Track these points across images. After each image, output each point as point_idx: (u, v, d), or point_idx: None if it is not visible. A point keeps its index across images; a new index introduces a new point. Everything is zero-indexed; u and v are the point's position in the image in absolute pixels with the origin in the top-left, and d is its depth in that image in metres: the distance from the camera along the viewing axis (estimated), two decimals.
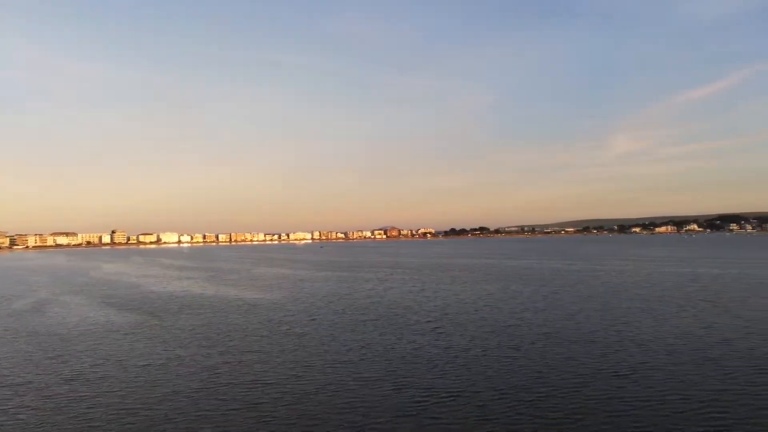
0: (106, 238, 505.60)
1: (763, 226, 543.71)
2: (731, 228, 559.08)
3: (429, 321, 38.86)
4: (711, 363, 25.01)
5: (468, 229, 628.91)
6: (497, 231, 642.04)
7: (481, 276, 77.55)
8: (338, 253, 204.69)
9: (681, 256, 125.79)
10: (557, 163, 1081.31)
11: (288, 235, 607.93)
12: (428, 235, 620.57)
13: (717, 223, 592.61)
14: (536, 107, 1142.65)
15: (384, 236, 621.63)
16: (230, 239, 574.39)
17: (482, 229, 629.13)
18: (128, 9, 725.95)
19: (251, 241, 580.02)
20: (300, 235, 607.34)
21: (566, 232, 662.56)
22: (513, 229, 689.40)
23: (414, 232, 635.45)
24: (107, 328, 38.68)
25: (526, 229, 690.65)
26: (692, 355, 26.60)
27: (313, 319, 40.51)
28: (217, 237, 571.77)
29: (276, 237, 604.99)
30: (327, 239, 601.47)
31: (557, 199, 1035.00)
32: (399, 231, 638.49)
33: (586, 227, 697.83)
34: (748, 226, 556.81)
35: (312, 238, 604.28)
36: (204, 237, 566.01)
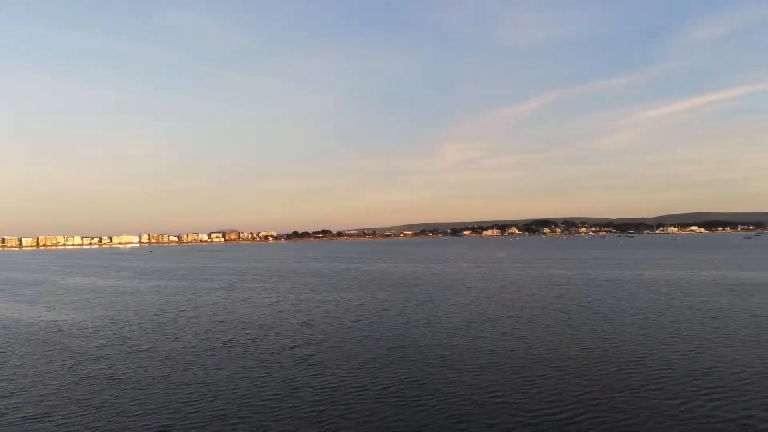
0: None
1: (570, 229, 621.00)
2: (544, 231, 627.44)
3: (296, 345, 30.41)
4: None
5: (311, 232, 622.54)
6: (339, 234, 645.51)
7: (340, 282, 70.51)
8: (172, 258, 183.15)
9: (516, 257, 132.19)
10: (396, 169, 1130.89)
11: (111, 239, 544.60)
12: (270, 239, 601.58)
13: (533, 227, 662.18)
14: (376, 115, 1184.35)
15: (222, 239, 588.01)
16: (37, 243, 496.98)
17: (325, 232, 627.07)
18: None
19: (64, 245, 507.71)
20: (125, 238, 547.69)
21: (405, 235, 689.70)
22: (354, 232, 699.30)
23: (255, 235, 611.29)
24: None
25: (367, 232, 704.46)
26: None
27: (135, 350, 29.64)
28: (20, 241, 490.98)
29: (96, 241, 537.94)
30: (158, 243, 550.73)
31: (396, 203, 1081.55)
32: (239, 234, 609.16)
33: (423, 230, 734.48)
34: (558, 230, 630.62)
35: (140, 242, 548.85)
36: (2, 241, 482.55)
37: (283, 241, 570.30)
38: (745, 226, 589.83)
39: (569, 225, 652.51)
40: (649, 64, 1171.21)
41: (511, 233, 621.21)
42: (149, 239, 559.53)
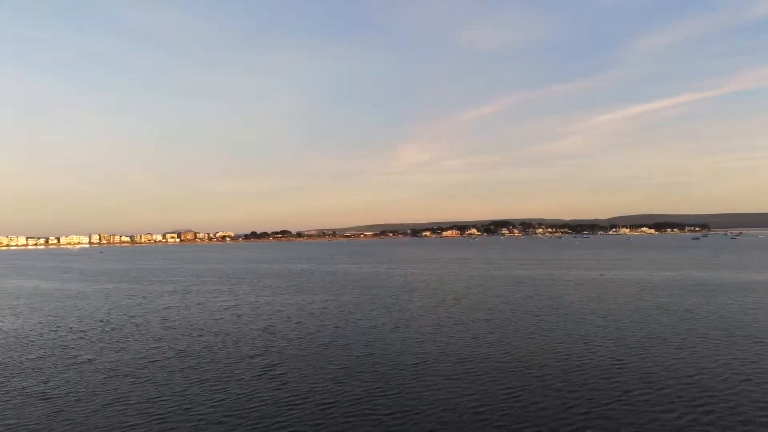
0: None
1: (527, 230, 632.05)
2: (503, 232, 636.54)
3: (257, 354, 28.15)
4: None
5: (270, 232, 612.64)
6: (299, 234, 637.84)
7: (302, 284, 68.07)
8: (123, 259, 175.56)
9: (478, 258, 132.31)
10: (356, 170, 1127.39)
11: (59, 239, 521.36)
12: (227, 239, 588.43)
13: (492, 227, 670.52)
14: (337, 115, 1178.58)
15: (178, 240, 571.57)
16: None
17: (284, 233, 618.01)
18: None
19: (8, 246, 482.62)
20: (74, 238, 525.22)
21: (365, 235, 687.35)
22: (314, 232, 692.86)
23: (212, 236, 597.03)
24: None
25: (327, 232, 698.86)
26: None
27: (75, 362, 26.76)
28: None
29: (42, 241, 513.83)
30: (109, 243, 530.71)
31: (356, 203, 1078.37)
32: (195, 234, 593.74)
33: (383, 231, 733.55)
34: (516, 231, 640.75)
35: (90, 242, 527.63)
36: None
37: (241, 241, 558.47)
38: (692, 228, 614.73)
39: (526, 226, 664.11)
40: (602, 70, 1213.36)
41: (470, 234, 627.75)
42: (100, 240, 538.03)
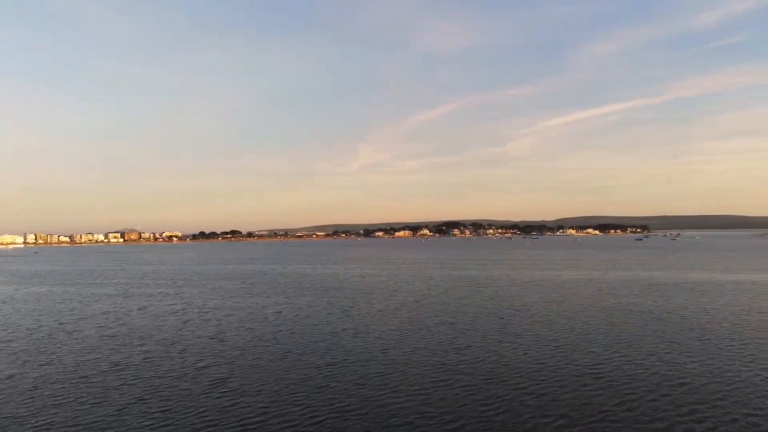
0: None
1: (478, 231, 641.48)
2: (454, 232, 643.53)
3: (205, 365, 25.41)
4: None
5: (219, 232, 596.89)
6: (250, 234, 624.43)
7: (254, 286, 64.80)
8: (60, 260, 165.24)
9: (434, 258, 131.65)
10: (309, 170, 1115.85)
11: None
12: (174, 239, 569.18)
13: (443, 228, 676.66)
14: (290, 114, 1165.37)
15: (121, 240, 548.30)
16: None
17: (234, 233, 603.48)
18: None
19: None
20: (7, 238, 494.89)
21: (317, 236, 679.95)
22: (265, 232, 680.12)
23: (158, 236, 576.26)
24: None
25: (278, 233, 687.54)
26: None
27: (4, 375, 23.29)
28: None
29: None
30: (47, 243, 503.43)
31: (308, 204, 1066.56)
32: (140, 234, 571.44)
33: (335, 231, 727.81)
34: (467, 231, 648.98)
35: (25, 242, 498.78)
36: None
37: (188, 241, 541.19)
38: (634, 229, 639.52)
39: (477, 227, 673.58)
40: (550, 76, 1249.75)
41: (423, 234, 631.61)
42: (36, 239, 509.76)
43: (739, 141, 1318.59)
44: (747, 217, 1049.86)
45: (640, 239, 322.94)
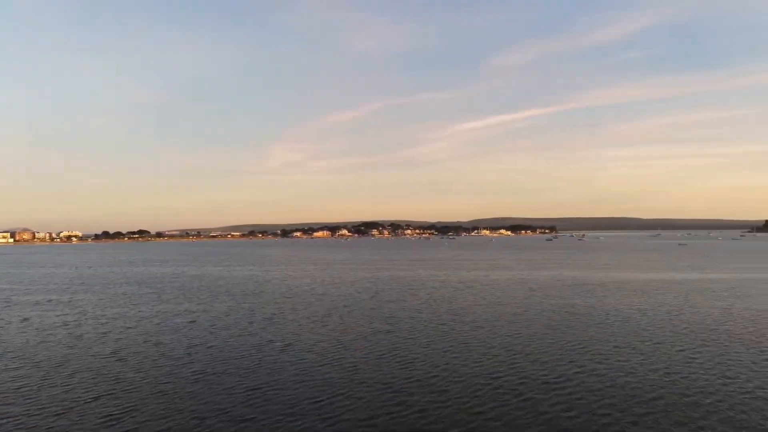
0: None
1: (396, 231, 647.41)
2: (373, 233, 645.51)
3: (100, 394, 20.52)
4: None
5: (125, 232, 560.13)
6: (159, 234, 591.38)
7: (163, 291, 58.28)
8: None
9: (357, 258, 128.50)
10: (224, 168, 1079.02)
11: None
12: (74, 239, 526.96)
13: (362, 228, 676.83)
14: (202, 111, 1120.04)
15: (11, 240, 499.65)
16: None
17: (142, 233, 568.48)
18: None
19: None
20: None
21: (232, 236, 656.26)
22: (176, 232, 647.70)
23: (55, 236, 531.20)
24: None
25: (191, 233, 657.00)
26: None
27: None
28: None
29: None
30: None
31: (222, 203, 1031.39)
32: (33, 234, 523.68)
33: (251, 231, 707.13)
34: (386, 231, 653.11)
35: None
36: None
37: (90, 242, 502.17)
38: (543, 230, 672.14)
39: (396, 227, 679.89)
40: (464, 82, 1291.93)
41: (342, 234, 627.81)
42: None
43: (633, 149, 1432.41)
44: (640, 219, 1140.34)
45: (550, 239, 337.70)
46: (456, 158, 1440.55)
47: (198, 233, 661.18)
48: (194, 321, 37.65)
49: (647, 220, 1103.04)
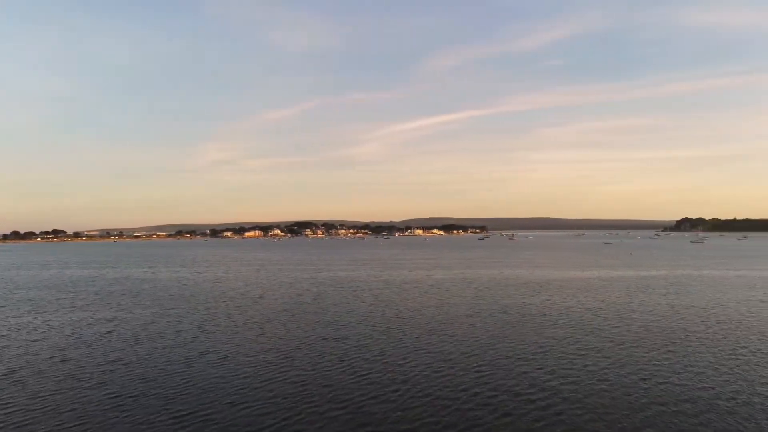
0: None
1: (330, 231, 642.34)
2: (306, 233, 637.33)
3: None
4: None
5: (38, 232, 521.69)
6: (77, 234, 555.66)
7: (78, 296, 52.21)
8: None
9: (293, 258, 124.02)
10: (149, 166, 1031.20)
11: None
12: None
13: (295, 228, 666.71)
14: (127, 105, 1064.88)
15: None
16: None
17: (57, 232, 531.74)
18: None
19: None
20: None
21: (158, 236, 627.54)
22: (96, 232, 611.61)
23: None
24: None
25: (112, 232, 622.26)
26: None
27: None
28: None
29: None
30: None
31: (148, 201, 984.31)
32: None
33: (179, 231, 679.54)
34: (319, 231, 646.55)
35: None
36: None
37: None
38: (474, 229, 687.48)
39: (329, 227, 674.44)
40: (398, 84, 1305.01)
41: (274, 234, 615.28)
42: None
43: (558, 153, 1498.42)
44: (565, 219, 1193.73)
45: (482, 239, 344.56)
46: (389, 159, 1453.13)
47: (120, 233, 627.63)
48: (111, 331, 32.99)
49: (571, 220, 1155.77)
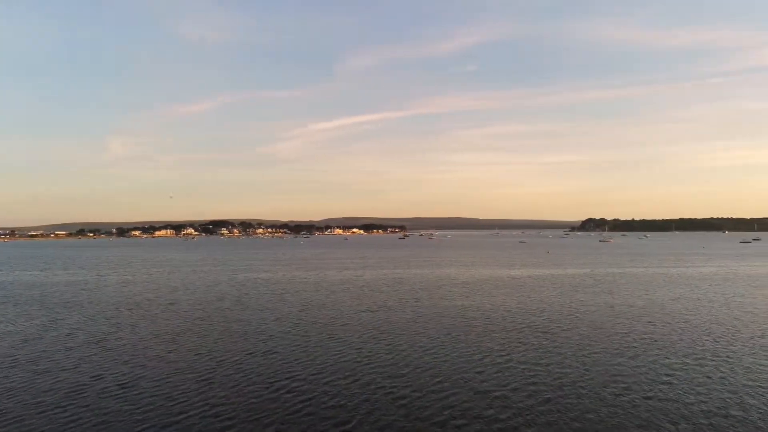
0: None
1: (247, 230, 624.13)
2: (222, 232, 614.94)
3: None
4: None
5: None
6: None
7: None
8: None
9: (211, 259, 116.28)
10: (47, 160, 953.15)
11: None
12: None
13: (210, 227, 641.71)
14: (18, 92, 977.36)
15: None
16: None
17: None
18: None
19: None
20: None
21: (57, 235, 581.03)
22: None
23: None
24: None
25: (3, 232, 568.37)
26: None
27: None
28: None
29: None
30: None
31: (45, 198, 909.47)
32: None
33: (81, 230, 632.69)
34: (236, 230, 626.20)
35: None
36: None
37: None
38: (393, 229, 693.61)
39: (246, 226, 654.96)
40: (318, 82, 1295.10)
41: (188, 234, 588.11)
42: None
43: (472, 155, 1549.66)
44: (479, 219, 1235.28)
45: (403, 238, 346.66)
46: (308, 158, 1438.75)
47: (12, 232, 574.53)
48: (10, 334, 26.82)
49: (485, 220, 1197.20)
